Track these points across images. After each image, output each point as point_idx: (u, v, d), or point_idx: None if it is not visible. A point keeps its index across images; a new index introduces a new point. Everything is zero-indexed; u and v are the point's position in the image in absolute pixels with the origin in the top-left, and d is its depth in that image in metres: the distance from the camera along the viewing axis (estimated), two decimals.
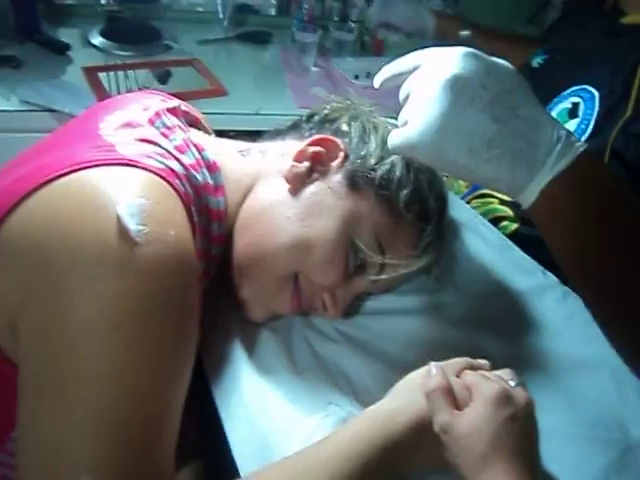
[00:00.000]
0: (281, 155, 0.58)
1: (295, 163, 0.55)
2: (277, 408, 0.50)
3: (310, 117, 0.61)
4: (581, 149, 0.41)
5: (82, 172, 0.42)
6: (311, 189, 0.55)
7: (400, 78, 0.46)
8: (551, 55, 0.85)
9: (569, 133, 0.42)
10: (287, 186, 0.55)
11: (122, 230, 0.39)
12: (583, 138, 0.66)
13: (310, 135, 0.58)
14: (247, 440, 0.49)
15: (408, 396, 0.46)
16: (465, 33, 1.11)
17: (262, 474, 0.42)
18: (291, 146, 0.58)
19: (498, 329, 0.61)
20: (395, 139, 0.44)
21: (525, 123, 0.40)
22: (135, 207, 0.40)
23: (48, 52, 1.25)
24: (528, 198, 0.42)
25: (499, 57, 0.43)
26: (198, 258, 0.48)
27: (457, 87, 0.40)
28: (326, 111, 0.61)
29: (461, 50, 0.41)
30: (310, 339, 0.57)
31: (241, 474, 0.46)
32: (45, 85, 1.11)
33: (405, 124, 0.43)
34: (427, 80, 0.41)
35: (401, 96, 0.45)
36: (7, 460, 0.46)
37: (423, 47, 0.45)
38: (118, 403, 0.37)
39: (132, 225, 0.39)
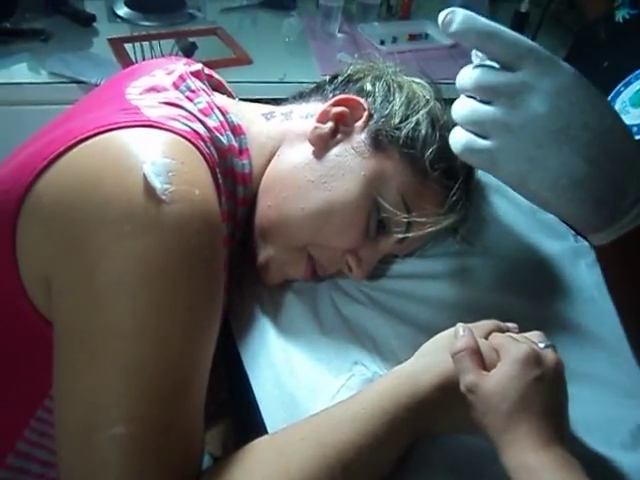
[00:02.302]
0: (305, 117, 0.57)
1: (318, 124, 0.55)
2: (304, 368, 0.51)
3: (333, 78, 0.60)
4: None
5: (108, 134, 0.43)
6: (335, 151, 0.54)
7: (483, 49, 0.40)
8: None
9: None
10: (311, 148, 0.55)
11: (148, 188, 0.39)
12: None
13: (333, 96, 0.57)
14: (275, 399, 0.50)
15: (434, 356, 0.45)
16: None
17: (289, 431, 0.43)
18: (315, 108, 0.57)
19: (528, 293, 0.60)
20: (472, 150, 0.40)
21: (619, 166, 0.38)
22: (160, 166, 0.41)
23: (74, 24, 1.25)
24: (600, 240, 0.40)
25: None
26: (224, 220, 0.48)
27: (560, 124, 0.37)
28: (349, 72, 0.60)
29: (571, 78, 0.38)
30: (336, 300, 0.58)
31: (269, 431, 0.47)
32: (73, 57, 1.12)
33: (485, 132, 0.39)
34: (527, 102, 0.38)
35: (478, 85, 0.39)
36: (46, 417, 0.48)
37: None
38: (148, 358, 0.38)
39: (158, 183, 0.40)
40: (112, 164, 0.41)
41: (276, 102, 0.64)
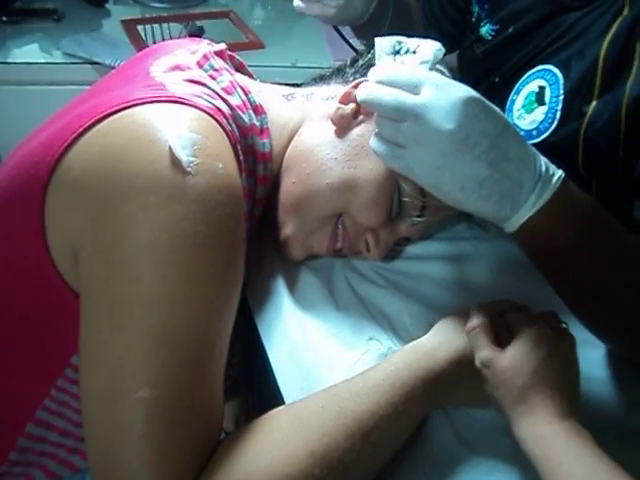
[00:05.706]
0: (326, 99, 0.58)
1: (341, 105, 0.56)
2: (319, 342, 0.52)
3: (354, 61, 0.61)
4: (558, 184, 0.44)
5: (135, 108, 0.43)
6: (357, 131, 0.55)
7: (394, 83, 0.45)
8: (502, 26, 0.70)
9: (547, 167, 0.45)
10: (333, 128, 0.56)
11: (174, 160, 0.40)
12: (552, 127, 0.60)
13: (354, 79, 0.58)
14: (291, 372, 0.51)
15: (451, 333, 0.47)
16: None
17: (308, 400, 0.44)
18: (336, 90, 0.58)
19: (540, 277, 0.61)
20: (393, 157, 0.45)
21: (513, 164, 0.44)
22: (186, 139, 0.41)
23: (86, 4, 1.26)
24: (510, 228, 0.46)
25: None
26: (244, 197, 0.49)
27: (460, 135, 0.43)
28: (370, 55, 0.60)
29: (466, 94, 0.43)
30: (350, 279, 0.59)
31: (286, 402, 0.48)
32: (86, 37, 1.12)
33: (399, 141, 0.44)
34: (430, 119, 0.43)
35: (388, 108, 0.44)
36: (67, 386, 0.49)
37: None
38: (172, 324, 0.39)
39: (183, 156, 0.40)
40: (139, 137, 0.42)
41: (294, 86, 0.65)
